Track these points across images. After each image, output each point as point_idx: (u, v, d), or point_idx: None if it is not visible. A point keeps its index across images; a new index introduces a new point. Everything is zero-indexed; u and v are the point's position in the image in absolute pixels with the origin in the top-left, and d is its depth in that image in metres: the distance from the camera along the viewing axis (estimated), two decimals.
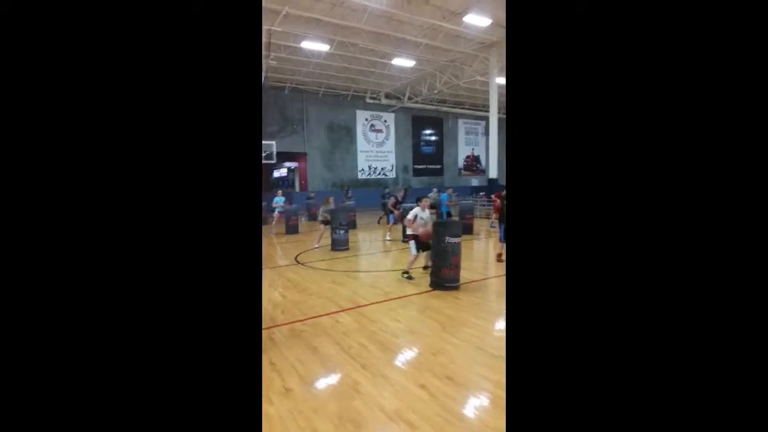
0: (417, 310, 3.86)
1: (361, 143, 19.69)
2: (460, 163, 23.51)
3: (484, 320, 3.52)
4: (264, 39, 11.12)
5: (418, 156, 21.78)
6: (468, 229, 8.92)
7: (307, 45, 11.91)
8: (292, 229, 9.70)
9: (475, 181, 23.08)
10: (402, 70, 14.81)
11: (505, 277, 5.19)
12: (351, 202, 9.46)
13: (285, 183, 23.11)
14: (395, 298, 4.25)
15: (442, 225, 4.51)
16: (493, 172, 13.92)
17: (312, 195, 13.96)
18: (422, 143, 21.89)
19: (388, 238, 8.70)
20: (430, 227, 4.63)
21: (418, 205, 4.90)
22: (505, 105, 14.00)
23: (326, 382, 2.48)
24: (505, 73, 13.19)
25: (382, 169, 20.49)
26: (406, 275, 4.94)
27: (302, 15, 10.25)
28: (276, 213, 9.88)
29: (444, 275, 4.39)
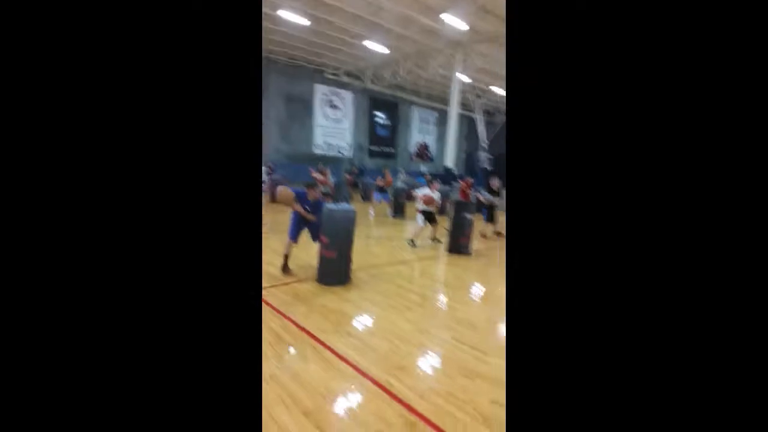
0: (445, 265, 4.98)
1: (318, 118, 19.64)
2: (412, 148, 24.86)
3: (487, 275, 4.75)
4: None
5: (373, 137, 22.42)
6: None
7: (285, 15, 11.74)
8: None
9: (423, 168, 24.65)
10: (370, 52, 15.25)
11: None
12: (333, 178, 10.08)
13: None
14: (424, 259, 5.28)
15: (461, 204, 5.61)
16: (450, 162, 15.39)
17: (270, 165, 12.81)
18: (378, 125, 22.53)
19: (372, 214, 9.59)
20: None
21: (430, 187, 5.97)
22: (461, 101, 15.45)
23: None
24: (464, 70, 14.60)
25: (339, 146, 20.80)
26: (411, 243, 5.98)
27: None
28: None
29: (461, 242, 5.54)
